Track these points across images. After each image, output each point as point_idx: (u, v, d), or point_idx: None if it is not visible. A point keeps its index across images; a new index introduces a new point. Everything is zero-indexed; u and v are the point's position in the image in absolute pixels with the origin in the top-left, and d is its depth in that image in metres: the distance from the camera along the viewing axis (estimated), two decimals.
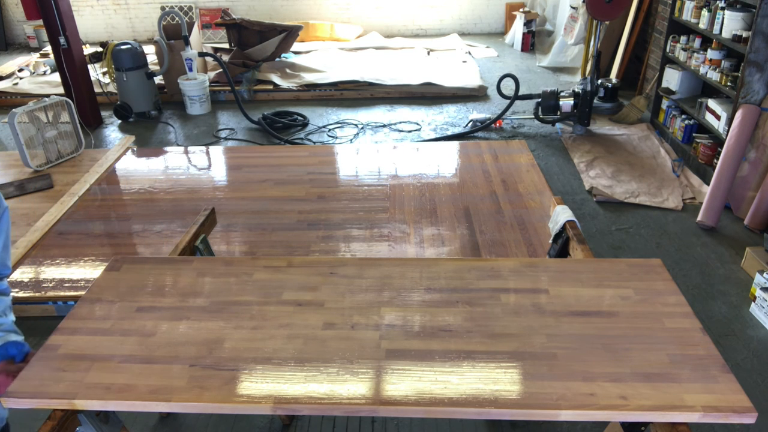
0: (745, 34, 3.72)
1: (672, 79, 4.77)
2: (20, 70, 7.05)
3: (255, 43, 6.76)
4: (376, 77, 6.39)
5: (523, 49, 7.92)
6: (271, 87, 6.34)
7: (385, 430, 2.39)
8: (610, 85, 5.37)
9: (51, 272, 3.28)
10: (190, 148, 5.01)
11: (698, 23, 4.30)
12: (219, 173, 4.51)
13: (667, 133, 4.87)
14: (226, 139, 5.35)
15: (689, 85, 4.68)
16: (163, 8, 8.20)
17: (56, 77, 6.67)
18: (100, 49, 6.99)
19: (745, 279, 3.23)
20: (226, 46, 7.42)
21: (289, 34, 6.85)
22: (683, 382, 1.41)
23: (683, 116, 4.68)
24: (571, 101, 5.03)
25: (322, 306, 1.71)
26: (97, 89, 5.91)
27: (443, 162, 4.55)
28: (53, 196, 4.13)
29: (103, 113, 5.92)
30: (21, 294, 3.09)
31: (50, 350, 1.57)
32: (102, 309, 1.73)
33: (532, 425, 2.41)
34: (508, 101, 5.32)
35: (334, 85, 6.32)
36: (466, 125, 5.41)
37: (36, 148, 4.52)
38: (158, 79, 6.08)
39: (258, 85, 6.37)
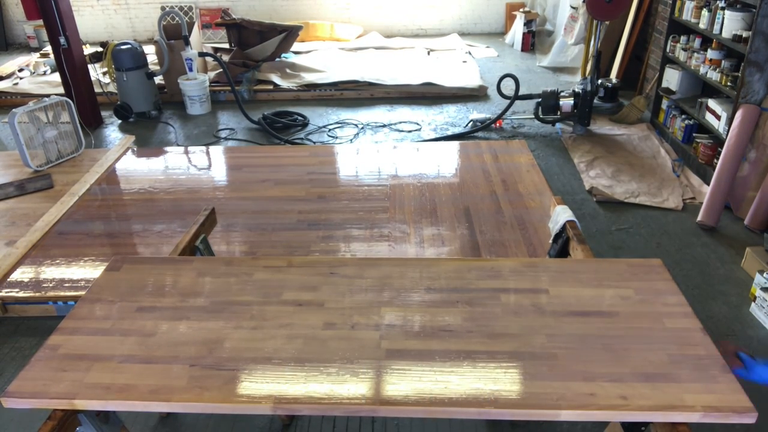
0: (745, 34, 3.72)
1: (672, 79, 4.76)
2: (20, 70, 7.04)
3: (255, 43, 6.76)
4: (376, 77, 6.39)
5: (523, 49, 7.91)
6: (271, 87, 6.34)
7: (385, 430, 2.39)
8: (610, 85, 5.37)
9: (51, 272, 3.28)
10: (190, 148, 5.00)
11: (698, 23, 4.29)
12: (219, 173, 4.51)
13: (667, 133, 4.87)
14: (226, 139, 5.35)
15: (689, 85, 4.67)
16: (163, 8, 8.20)
17: (56, 77, 6.67)
18: (100, 49, 6.99)
19: (745, 279, 3.23)
20: (226, 46, 7.42)
21: (289, 34, 6.85)
22: (683, 382, 1.42)
23: (683, 116, 4.67)
24: (571, 101, 5.03)
25: (322, 306, 1.71)
26: (97, 89, 5.90)
27: (443, 162, 4.55)
28: (53, 196, 4.13)
29: (103, 113, 5.92)
30: (21, 294, 3.09)
31: (50, 350, 1.58)
32: (102, 309, 1.73)
33: (532, 425, 2.41)
34: (508, 101, 5.32)
35: (334, 85, 6.32)
36: (466, 125, 5.41)
37: (36, 148, 4.52)
38: (158, 79, 6.08)
39: (258, 85, 6.37)
